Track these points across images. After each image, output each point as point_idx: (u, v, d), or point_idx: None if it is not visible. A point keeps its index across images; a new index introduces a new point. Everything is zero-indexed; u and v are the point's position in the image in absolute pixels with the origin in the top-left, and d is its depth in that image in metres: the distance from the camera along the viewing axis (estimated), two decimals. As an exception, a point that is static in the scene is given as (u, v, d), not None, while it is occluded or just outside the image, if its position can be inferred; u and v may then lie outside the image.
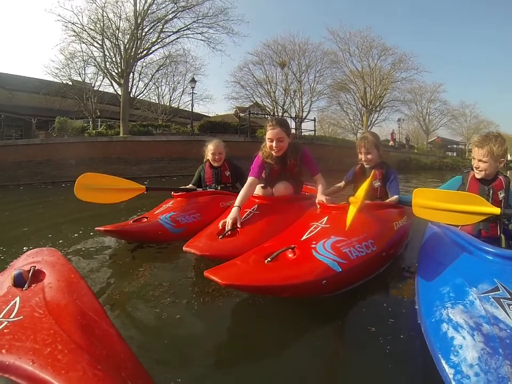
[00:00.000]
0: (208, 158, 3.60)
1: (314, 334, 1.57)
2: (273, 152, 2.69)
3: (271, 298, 1.79)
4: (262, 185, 2.89)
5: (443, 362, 1.04)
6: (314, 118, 21.21)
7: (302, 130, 22.12)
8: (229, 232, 2.25)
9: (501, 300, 1.23)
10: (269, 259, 1.67)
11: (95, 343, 0.79)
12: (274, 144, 2.63)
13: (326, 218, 2.12)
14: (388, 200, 2.60)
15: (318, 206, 2.44)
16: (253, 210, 2.52)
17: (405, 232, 2.46)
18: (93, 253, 2.68)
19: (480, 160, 2.02)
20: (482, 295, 1.27)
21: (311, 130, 20.66)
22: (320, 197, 2.57)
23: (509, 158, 55.21)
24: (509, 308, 1.19)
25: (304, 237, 1.93)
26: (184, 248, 2.06)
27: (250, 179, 2.70)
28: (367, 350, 1.43)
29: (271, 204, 2.65)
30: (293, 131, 21.89)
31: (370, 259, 1.86)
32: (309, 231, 1.99)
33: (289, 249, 1.78)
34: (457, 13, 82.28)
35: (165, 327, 1.56)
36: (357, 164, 2.93)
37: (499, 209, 1.74)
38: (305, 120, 24.96)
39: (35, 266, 1.17)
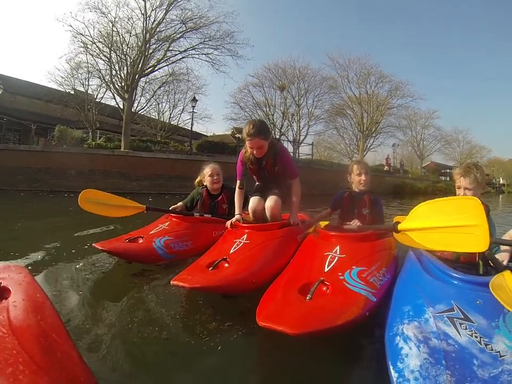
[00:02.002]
0: (205, 183, 3.52)
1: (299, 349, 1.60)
2: (254, 155, 2.81)
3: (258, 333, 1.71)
4: (258, 197, 2.97)
5: (391, 368, 1.19)
6: (312, 142, 21.78)
7: (300, 154, 22.37)
8: (219, 263, 2.21)
9: (454, 319, 1.36)
10: (309, 296, 1.61)
11: (56, 365, 0.80)
12: (255, 151, 2.75)
13: (338, 247, 2.12)
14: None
15: (318, 233, 2.45)
16: (242, 240, 2.49)
17: (398, 259, 2.48)
18: (81, 268, 2.74)
19: (466, 188, 2.11)
20: (437, 314, 1.41)
21: (308, 155, 20.98)
22: (292, 219, 2.81)
23: (501, 181, 57.00)
24: (461, 326, 1.32)
25: (327, 269, 1.91)
26: (171, 282, 1.93)
27: (238, 182, 3.05)
28: (338, 361, 1.55)
29: (261, 233, 2.60)
30: (291, 154, 22.09)
31: (388, 286, 1.91)
32: (327, 261, 1.98)
33: (321, 283, 1.74)
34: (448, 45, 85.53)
35: (133, 355, 1.50)
36: (344, 191, 2.92)
37: None
38: (302, 144, 25.34)
39: (1, 283, 1.16)
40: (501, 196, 34.64)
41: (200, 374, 1.40)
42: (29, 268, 2.52)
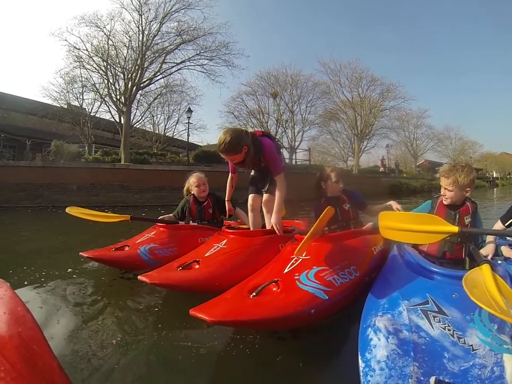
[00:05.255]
0: (192, 191, 3.67)
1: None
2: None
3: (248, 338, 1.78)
4: (254, 195, 3.16)
5: (360, 358, 1.23)
6: (309, 148, 21.82)
7: (297, 160, 22.45)
8: (190, 265, 2.29)
9: (428, 312, 1.39)
10: (254, 294, 1.65)
11: (36, 374, 0.82)
12: (229, 161, 2.84)
13: (305, 250, 2.08)
14: (364, 227, 2.69)
15: (296, 239, 2.40)
16: (220, 245, 2.52)
17: (383, 256, 2.46)
18: (73, 278, 2.88)
19: (446, 189, 2.13)
20: (411, 307, 1.44)
21: (306, 160, 21.10)
22: (273, 219, 2.72)
23: (494, 175, 58.02)
24: (434, 319, 1.35)
25: (286, 270, 1.91)
26: (138, 277, 2.05)
27: (230, 175, 3.27)
28: (314, 354, 1.62)
29: (241, 239, 2.63)
30: (287, 161, 22.30)
31: (354, 284, 1.91)
32: (290, 263, 1.98)
33: (273, 283, 1.77)
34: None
35: (109, 362, 1.56)
36: (320, 199, 2.98)
37: (457, 227, 1.79)
38: (298, 150, 25.50)
39: None
40: (495, 190, 35.13)
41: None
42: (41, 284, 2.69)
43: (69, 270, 3.10)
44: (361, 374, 1.17)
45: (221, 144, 2.58)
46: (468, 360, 1.17)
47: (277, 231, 2.69)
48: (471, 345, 1.22)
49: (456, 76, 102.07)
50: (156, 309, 2.21)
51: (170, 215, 3.70)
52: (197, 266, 2.28)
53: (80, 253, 2.71)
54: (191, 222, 3.61)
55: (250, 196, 3.16)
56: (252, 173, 3.25)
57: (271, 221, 2.76)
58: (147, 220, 3.56)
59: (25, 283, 2.70)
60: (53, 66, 33.71)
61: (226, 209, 3.34)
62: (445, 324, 1.32)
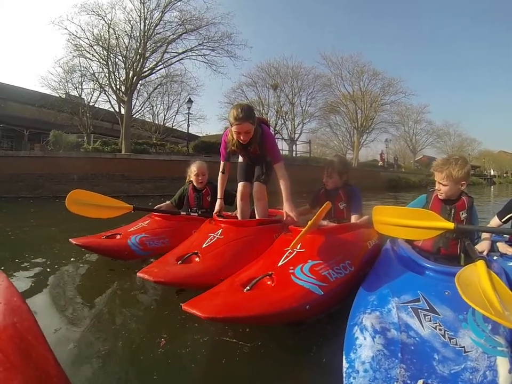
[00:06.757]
0: (191, 179, 3.63)
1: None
2: (240, 141, 2.72)
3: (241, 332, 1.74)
4: (244, 183, 3.05)
5: (344, 358, 1.17)
6: (309, 140, 21.74)
7: (297, 152, 22.34)
8: (189, 257, 2.22)
9: (419, 310, 1.33)
10: (248, 287, 1.61)
11: (30, 365, 0.82)
12: (242, 136, 2.65)
13: (300, 242, 2.02)
14: (359, 221, 2.65)
15: (290, 231, 2.35)
16: (216, 235, 2.47)
17: (378, 250, 2.40)
18: (73, 268, 2.88)
19: (440, 183, 2.08)
20: (401, 304, 1.38)
21: (305, 152, 21.01)
22: (286, 208, 2.62)
23: (492, 173, 58.36)
24: (425, 318, 1.28)
25: (280, 263, 1.86)
26: (138, 274, 1.96)
27: (222, 164, 3.03)
28: (299, 352, 1.59)
29: (237, 229, 2.59)
30: (286, 153, 22.34)
31: (349, 279, 1.87)
32: (284, 256, 1.93)
33: (267, 276, 1.73)
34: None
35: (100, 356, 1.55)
36: (320, 188, 2.97)
37: (452, 223, 1.76)
38: (298, 142, 25.44)
39: None
40: (492, 187, 35.34)
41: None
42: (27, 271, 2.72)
43: (72, 259, 3.08)
44: (344, 375, 1.12)
45: (239, 113, 2.52)
46: (459, 362, 1.12)
47: (294, 218, 2.60)
48: (463, 347, 1.17)
49: (458, 72, 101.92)
50: (153, 303, 2.21)
51: (167, 202, 3.69)
52: (197, 259, 2.23)
53: (70, 240, 2.68)
54: (190, 211, 3.57)
55: (240, 184, 3.07)
56: (240, 160, 3.17)
57: (284, 210, 2.67)
58: (148, 209, 3.51)
59: (23, 273, 2.68)
60: (51, 55, 33.50)
61: (216, 205, 3.06)
62: (436, 323, 1.27)
